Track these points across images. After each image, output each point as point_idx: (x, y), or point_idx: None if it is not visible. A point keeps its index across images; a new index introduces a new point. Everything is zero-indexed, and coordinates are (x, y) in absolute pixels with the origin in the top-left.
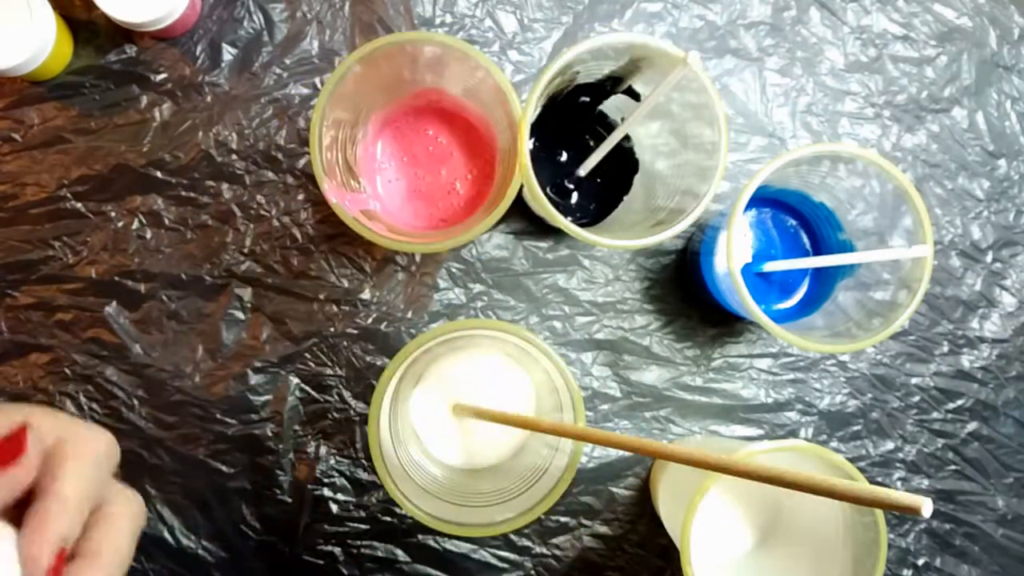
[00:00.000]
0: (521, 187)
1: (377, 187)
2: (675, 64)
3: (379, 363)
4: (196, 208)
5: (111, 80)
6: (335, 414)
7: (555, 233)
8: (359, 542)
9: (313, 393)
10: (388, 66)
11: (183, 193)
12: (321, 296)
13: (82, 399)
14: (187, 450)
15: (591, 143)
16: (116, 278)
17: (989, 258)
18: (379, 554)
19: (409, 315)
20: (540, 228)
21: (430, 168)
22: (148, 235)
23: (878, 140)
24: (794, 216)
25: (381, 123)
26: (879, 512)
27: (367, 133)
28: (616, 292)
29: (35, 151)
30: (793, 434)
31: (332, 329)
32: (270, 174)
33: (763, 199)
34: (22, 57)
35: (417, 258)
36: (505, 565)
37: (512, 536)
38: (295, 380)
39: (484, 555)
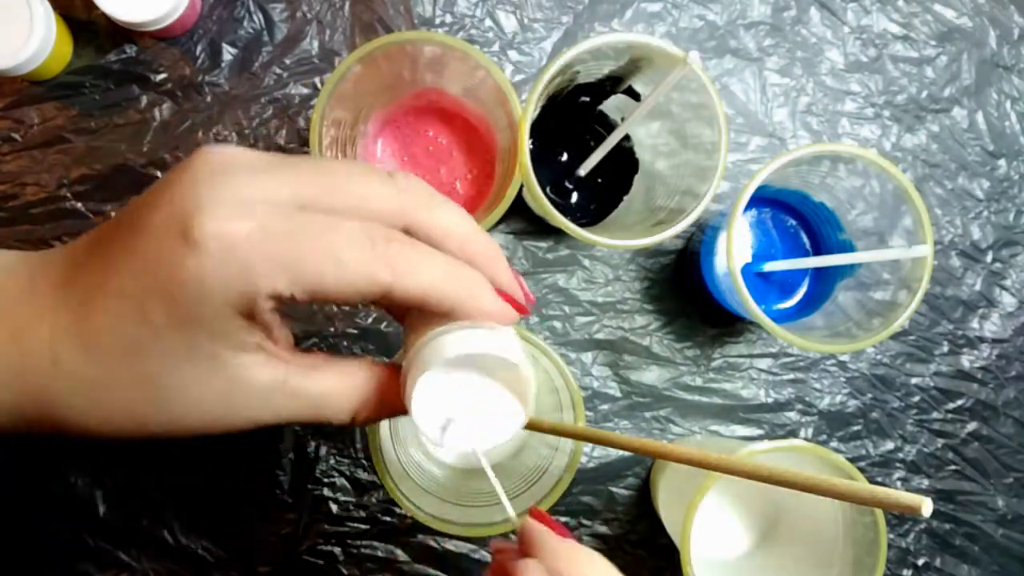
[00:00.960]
0: (521, 187)
1: None
2: (675, 64)
3: None
4: None
5: (111, 80)
6: None
7: (555, 233)
8: (359, 542)
9: None
10: (388, 66)
11: None
12: None
13: None
14: (187, 450)
15: (591, 143)
16: None
17: (989, 258)
18: (379, 554)
19: None
20: (540, 228)
21: (430, 168)
22: None
23: (878, 140)
24: (794, 216)
25: (381, 123)
26: (879, 512)
27: (367, 133)
28: (616, 292)
29: (35, 151)
30: (793, 434)
31: (332, 329)
32: None
33: (763, 199)
34: (22, 57)
35: None
36: None
37: (512, 536)
38: None
39: (484, 555)
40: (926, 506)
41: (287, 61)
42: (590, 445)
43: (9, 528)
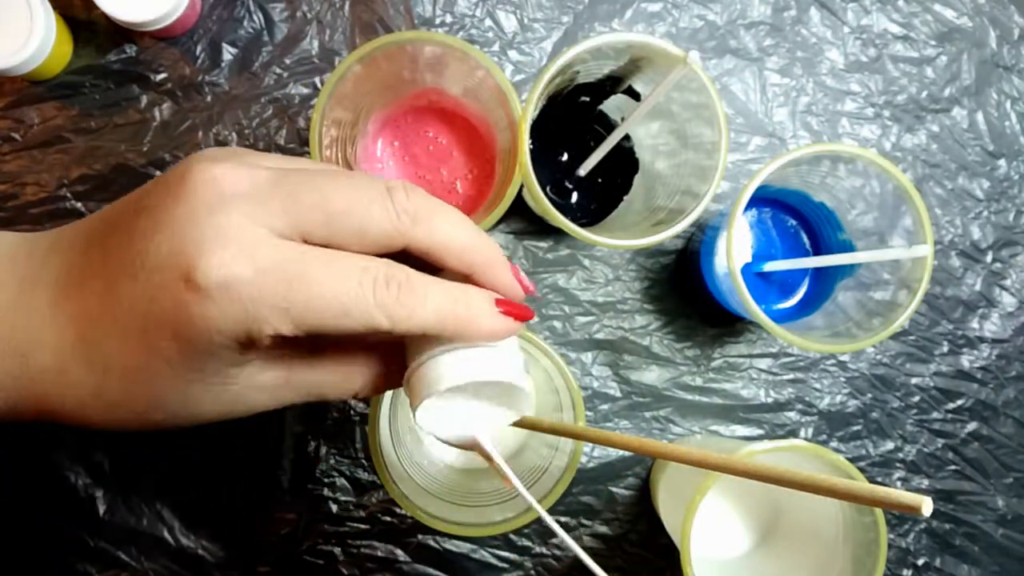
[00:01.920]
0: (521, 187)
1: None
2: (675, 64)
3: None
4: None
5: (111, 80)
6: (335, 414)
7: (555, 233)
8: (359, 542)
9: None
10: (388, 66)
11: None
12: None
13: None
14: (187, 450)
15: (591, 143)
16: None
17: (989, 258)
18: (379, 554)
19: None
20: (540, 228)
21: (430, 168)
22: None
23: (878, 140)
24: (794, 216)
25: (381, 123)
26: (879, 512)
27: (367, 133)
28: (616, 292)
29: (35, 151)
30: (793, 434)
31: None
32: None
33: (763, 199)
34: (22, 57)
35: None
36: (505, 565)
37: (512, 536)
38: None
39: (484, 555)
40: (926, 506)
41: (287, 61)
42: (590, 445)
43: (9, 528)
